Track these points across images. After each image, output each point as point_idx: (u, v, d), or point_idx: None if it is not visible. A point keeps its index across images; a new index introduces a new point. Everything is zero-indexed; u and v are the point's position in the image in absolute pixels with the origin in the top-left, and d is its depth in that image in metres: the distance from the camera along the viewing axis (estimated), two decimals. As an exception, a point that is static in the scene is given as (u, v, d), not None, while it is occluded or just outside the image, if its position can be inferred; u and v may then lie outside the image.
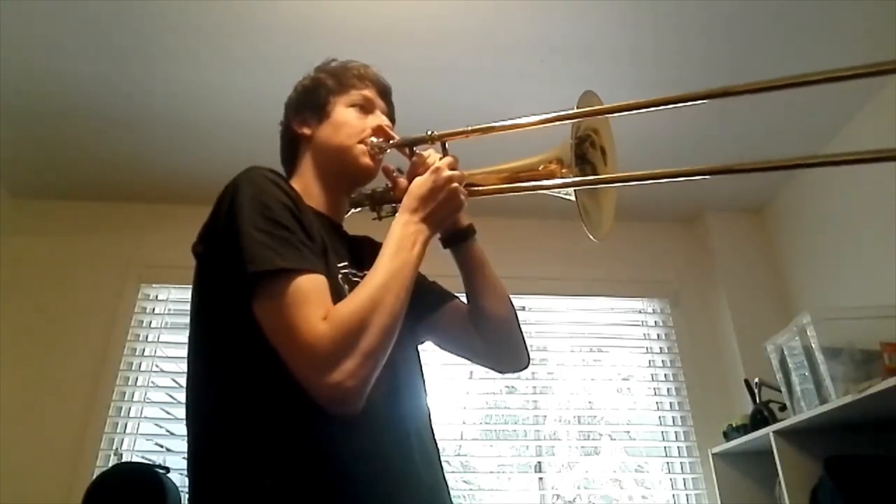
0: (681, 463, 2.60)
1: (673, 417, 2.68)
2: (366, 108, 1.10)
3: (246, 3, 1.90)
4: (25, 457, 2.30)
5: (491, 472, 2.59)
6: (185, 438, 0.88)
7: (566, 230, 2.80)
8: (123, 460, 2.36)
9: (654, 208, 2.91)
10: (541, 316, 2.80)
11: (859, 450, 1.81)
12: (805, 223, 2.67)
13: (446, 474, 0.97)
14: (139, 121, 2.37)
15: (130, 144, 2.49)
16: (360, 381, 0.77)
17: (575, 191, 0.98)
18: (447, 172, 0.97)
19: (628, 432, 2.71)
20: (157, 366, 2.60)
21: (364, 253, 1.06)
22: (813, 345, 1.82)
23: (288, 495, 0.78)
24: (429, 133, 1.05)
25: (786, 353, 2.03)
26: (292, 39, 2.00)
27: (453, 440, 2.60)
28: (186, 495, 0.86)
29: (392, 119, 1.15)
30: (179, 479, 2.09)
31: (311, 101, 1.11)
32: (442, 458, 0.98)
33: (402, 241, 0.90)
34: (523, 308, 2.74)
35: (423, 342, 1.11)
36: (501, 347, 1.10)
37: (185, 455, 0.88)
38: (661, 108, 0.94)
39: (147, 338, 2.67)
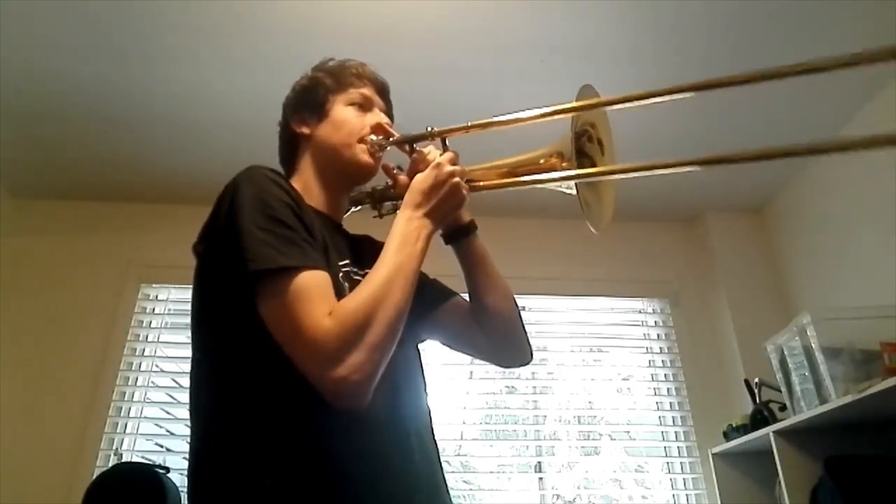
0: (681, 463, 2.60)
1: (673, 417, 2.68)
2: (364, 106, 1.10)
3: (246, 3, 1.90)
4: (25, 457, 2.30)
5: (491, 472, 2.59)
6: (186, 438, 0.89)
7: (566, 230, 2.83)
8: (123, 460, 2.36)
9: (654, 208, 2.91)
10: (541, 316, 2.80)
11: (859, 450, 1.81)
12: (805, 223, 2.67)
13: (446, 474, 0.97)
14: (139, 121, 2.37)
15: (130, 144, 2.49)
16: (367, 375, 0.77)
17: (576, 184, 0.98)
18: (449, 167, 0.97)
19: (628, 432, 2.71)
20: (157, 366, 2.60)
21: (365, 251, 1.06)
22: (813, 345, 1.82)
23: (287, 495, 0.78)
24: (429, 129, 1.05)
25: (786, 353, 2.03)
26: (292, 39, 2.00)
27: (453, 440, 2.60)
28: (186, 495, 0.86)
29: (390, 117, 1.15)
30: (179, 479, 2.09)
31: (309, 100, 1.11)
32: (442, 458, 0.98)
33: (405, 236, 0.91)
34: (523, 308, 2.68)
35: (423, 340, 1.11)
36: (505, 343, 1.10)
37: (186, 455, 0.88)
38: (661, 98, 0.94)
39: (147, 338, 2.67)
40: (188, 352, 0.92)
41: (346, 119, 1.08)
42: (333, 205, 1.08)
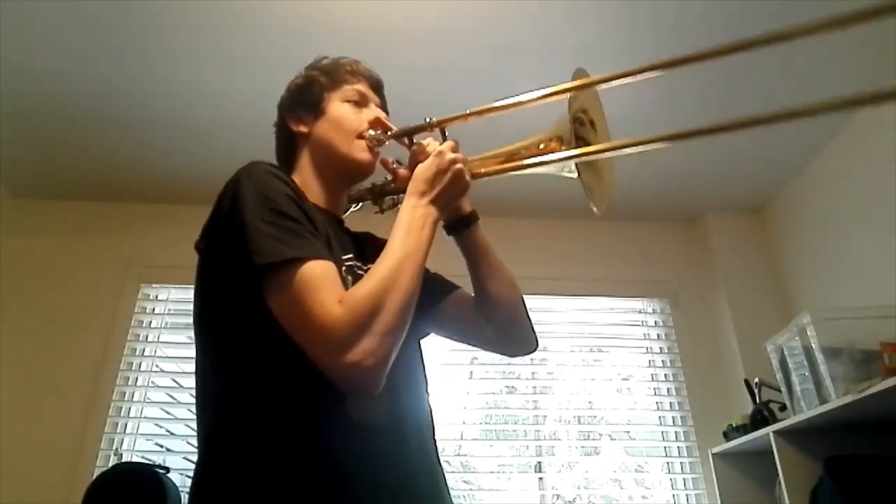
0: (681, 463, 2.60)
1: (673, 417, 2.68)
2: (360, 102, 1.11)
3: (246, 3, 1.90)
4: (25, 457, 2.30)
5: (491, 472, 2.59)
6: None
7: (566, 230, 2.83)
8: (123, 460, 2.36)
9: (654, 208, 2.91)
10: (541, 316, 2.80)
11: (859, 450, 1.81)
12: (805, 223, 2.67)
13: (446, 474, 0.97)
14: (139, 121, 2.37)
15: (130, 144, 2.49)
16: (379, 360, 0.77)
17: (577, 165, 0.98)
18: (451, 155, 0.98)
19: (628, 432, 2.70)
20: (157, 366, 2.60)
21: (367, 247, 1.06)
22: (813, 345, 1.82)
23: (288, 495, 0.77)
24: (427, 120, 1.06)
25: (786, 353, 2.03)
26: (292, 39, 2.00)
27: (453, 440, 2.60)
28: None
29: (385, 112, 1.15)
30: (179, 479, 2.09)
31: (305, 98, 1.11)
32: (442, 458, 0.98)
33: (411, 223, 0.91)
34: (523, 308, 2.72)
35: (427, 335, 1.11)
36: (511, 331, 1.10)
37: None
38: (660, 72, 0.94)
39: (147, 338, 2.67)
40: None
41: (344, 116, 1.08)
42: (333, 202, 1.08)
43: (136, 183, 2.71)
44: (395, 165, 1.10)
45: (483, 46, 2.07)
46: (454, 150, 1.00)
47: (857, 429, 1.85)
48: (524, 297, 1.12)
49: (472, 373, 2.70)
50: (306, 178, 1.07)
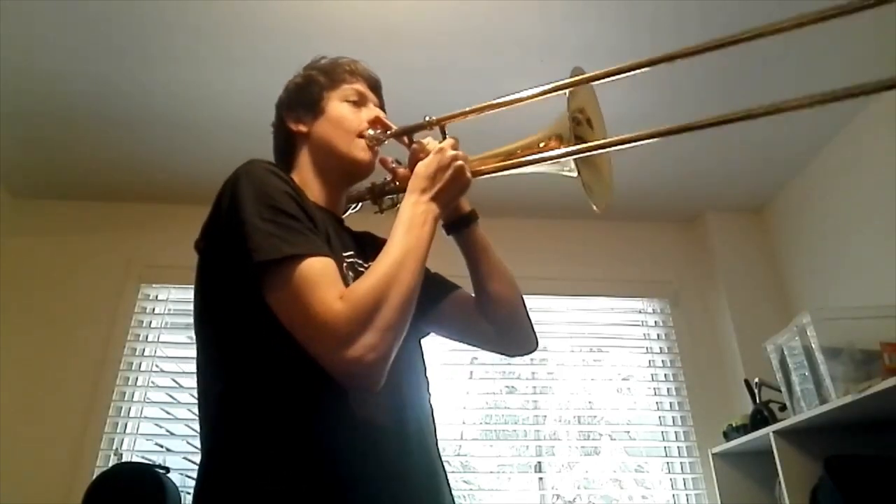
0: (681, 463, 2.60)
1: (673, 417, 2.68)
2: (359, 102, 1.11)
3: (246, 3, 1.90)
4: (25, 457, 2.30)
5: (491, 472, 2.59)
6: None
7: (566, 230, 2.83)
8: (123, 460, 2.36)
9: (654, 208, 2.91)
10: (541, 316, 2.80)
11: (859, 450, 1.81)
12: (805, 223, 2.67)
13: (447, 473, 0.96)
14: (139, 121, 2.37)
15: (130, 144, 2.49)
16: (381, 355, 0.77)
17: (577, 164, 0.98)
18: (451, 151, 0.98)
19: (628, 432, 2.71)
20: (157, 366, 2.60)
21: (367, 246, 1.06)
22: (813, 345, 1.82)
23: (289, 495, 0.78)
24: (427, 119, 1.06)
25: (786, 353, 2.03)
26: (292, 39, 2.00)
27: (453, 440, 2.60)
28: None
29: (383, 111, 1.15)
30: (179, 479, 2.09)
31: (304, 98, 1.11)
32: (442, 458, 0.97)
33: (412, 219, 0.91)
34: (523, 308, 2.72)
35: (427, 335, 1.11)
36: (511, 330, 1.11)
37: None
38: (659, 64, 0.94)
39: (147, 338, 2.67)
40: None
41: (343, 115, 1.08)
42: (333, 201, 1.08)
43: (136, 183, 2.71)
44: (394, 165, 1.10)
45: (483, 46, 2.07)
46: (455, 147, 1.00)
47: (857, 429, 1.85)
48: (524, 297, 1.12)
49: (472, 373, 2.70)
50: (306, 177, 1.07)
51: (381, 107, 1.16)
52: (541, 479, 2.54)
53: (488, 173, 1.05)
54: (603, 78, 1.00)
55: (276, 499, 0.77)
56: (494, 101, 1.04)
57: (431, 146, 1.02)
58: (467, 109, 1.05)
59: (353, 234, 1.10)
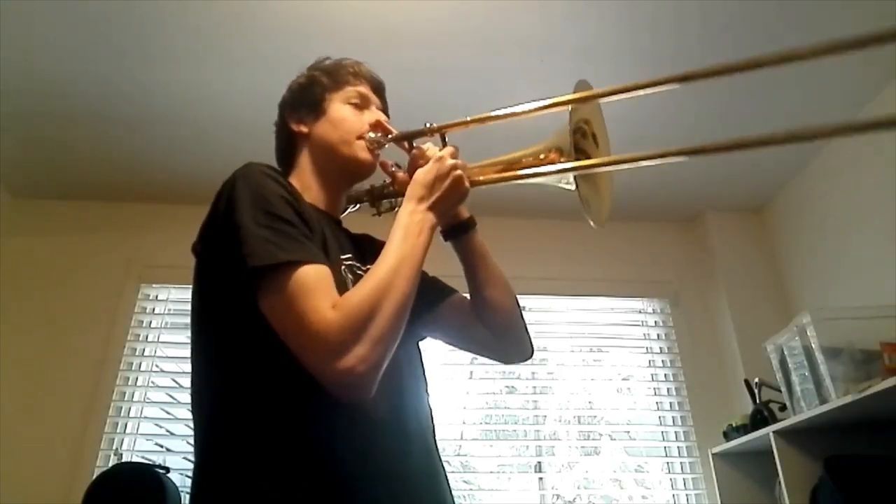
0: (681, 463, 2.60)
1: (673, 417, 2.68)
2: (361, 104, 1.11)
3: (246, 3, 1.90)
4: (25, 457, 2.30)
5: (491, 472, 2.59)
6: (186, 438, 0.89)
7: (566, 230, 2.83)
8: (123, 460, 2.36)
9: (654, 208, 2.91)
10: (541, 316, 2.80)
11: (859, 450, 1.81)
12: (805, 223, 2.67)
13: (447, 474, 0.96)
14: (139, 121, 2.37)
15: (130, 144, 2.49)
16: (372, 367, 0.77)
17: (576, 179, 0.98)
18: (450, 161, 0.98)
19: (628, 432, 2.70)
20: (157, 366, 2.60)
21: (366, 248, 1.06)
22: (813, 345, 1.82)
23: (289, 495, 0.77)
24: (427, 126, 1.06)
25: (786, 353, 2.03)
26: (292, 39, 2.00)
27: (453, 440, 2.60)
28: (186, 495, 0.86)
29: (386, 115, 1.15)
30: (179, 479, 2.09)
31: (306, 98, 1.11)
32: (442, 458, 0.98)
33: (408, 228, 0.91)
34: (523, 308, 2.71)
35: (424, 338, 1.11)
36: (507, 337, 1.10)
37: (186, 455, 0.88)
38: (661, 87, 0.94)
39: (147, 338, 2.67)
40: (188, 352, 0.92)
41: (345, 117, 1.08)
42: (332, 202, 1.08)
43: (136, 183, 2.71)
44: (394, 169, 1.10)
45: (483, 46, 2.06)
46: (454, 155, 1.00)
47: (857, 429, 1.85)
48: (524, 297, 1.12)
49: (472, 373, 2.70)
50: (306, 178, 1.07)
51: (385, 110, 1.16)
52: (541, 479, 2.54)
53: (487, 183, 1.05)
54: (608, 96, 0.99)
55: (276, 499, 0.77)
56: (496, 113, 1.04)
57: (431, 152, 1.02)
58: (468, 119, 1.05)
59: (352, 236, 1.10)
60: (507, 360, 1.17)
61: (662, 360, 2.80)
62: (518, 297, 1.13)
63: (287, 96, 1.15)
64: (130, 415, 2.50)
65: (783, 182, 2.76)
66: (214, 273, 0.88)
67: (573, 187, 0.99)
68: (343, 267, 0.94)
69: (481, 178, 1.05)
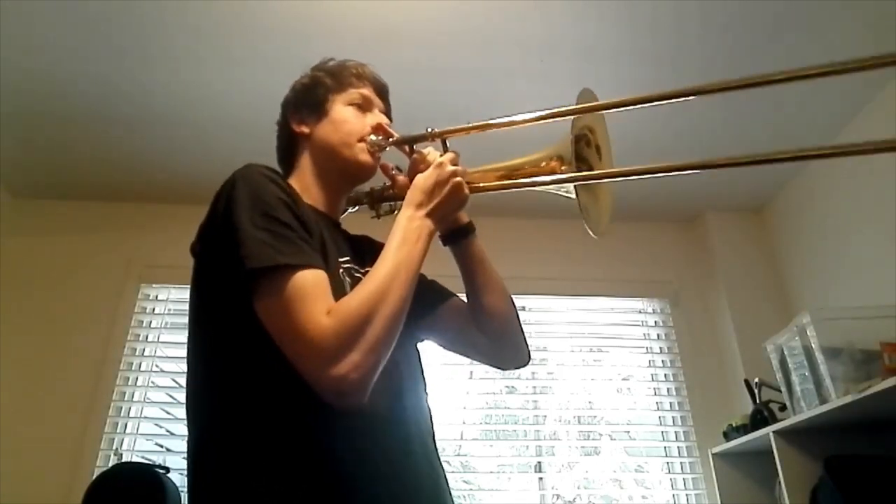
0: (681, 463, 2.60)
1: (673, 417, 2.68)
2: (364, 106, 1.10)
3: (246, 3, 1.90)
4: (25, 457, 2.30)
5: (491, 472, 2.59)
6: (185, 438, 0.88)
7: (566, 230, 2.81)
8: (123, 460, 2.36)
9: (654, 208, 2.91)
10: (541, 316, 2.80)
11: (859, 450, 1.81)
12: (805, 223, 2.67)
13: (447, 474, 0.96)
14: (139, 121, 2.37)
15: (130, 144, 2.49)
16: (365, 374, 0.77)
17: (576, 188, 0.98)
18: (450, 167, 0.97)
19: (628, 432, 2.70)
20: (157, 366, 2.60)
21: (365, 250, 1.06)
22: (813, 345, 1.82)
23: (289, 496, 0.77)
24: (429, 130, 1.06)
25: (786, 353, 2.03)
26: (292, 39, 2.00)
27: (453, 440, 2.60)
28: (186, 495, 0.86)
29: (389, 117, 1.15)
30: (179, 479, 2.09)
31: (309, 99, 1.11)
32: (441, 458, 0.98)
33: (406, 234, 0.90)
34: (523, 308, 2.73)
35: (422, 341, 1.11)
36: (503, 343, 1.10)
37: (186, 455, 0.88)
38: (659, 103, 0.94)
39: (147, 338, 2.67)
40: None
41: (346, 119, 1.08)
42: (332, 204, 1.08)
43: (136, 183, 2.71)
44: (394, 172, 1.10)
45: (483, 46, 2.06)
46: (454, 161, 0.99)
47: (857, 429, 1.85)
48: (524, 297, 1.12)
49: (472, 373, 2.70)
50: (306, 179, 1.07)
51: (388, 112, 1.15)
52: (541, 479, 2.54)
53: (487, 190, 1.05)
54: (611, 108, 0.99)
55: (276, 499, 0.77)
56: (496, 121, 1.04)
57: (432, 157, 1.01)
58: (470, 125, 1.05)
59: (350, 238, 1.09)
60: (503, 365, 1.16)
61: (662, 360, 2.80)
62: (518, 297, 1.13)
63: (290, 96, 1.14)
64: (130, 415, 2.50)
65: (783, 182, 2.76)
66: (212, 274, 0.88)
67: (573, 196, 0.99)
68: (341, 270, 0.94)
69: (481, 184, 1.05)
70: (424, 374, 1.04)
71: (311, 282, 0.80)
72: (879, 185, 2.19)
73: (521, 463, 2.63)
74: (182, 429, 2.45)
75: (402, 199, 0.97)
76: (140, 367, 2.58)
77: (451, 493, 0.95)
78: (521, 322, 1.12)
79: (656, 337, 2.87)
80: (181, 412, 2.49)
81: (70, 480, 2.26)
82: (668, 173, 0.95)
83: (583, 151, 1.03)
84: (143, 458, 2.40)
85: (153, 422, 2.53)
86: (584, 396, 2.70)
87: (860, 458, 1.77)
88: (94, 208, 2.79)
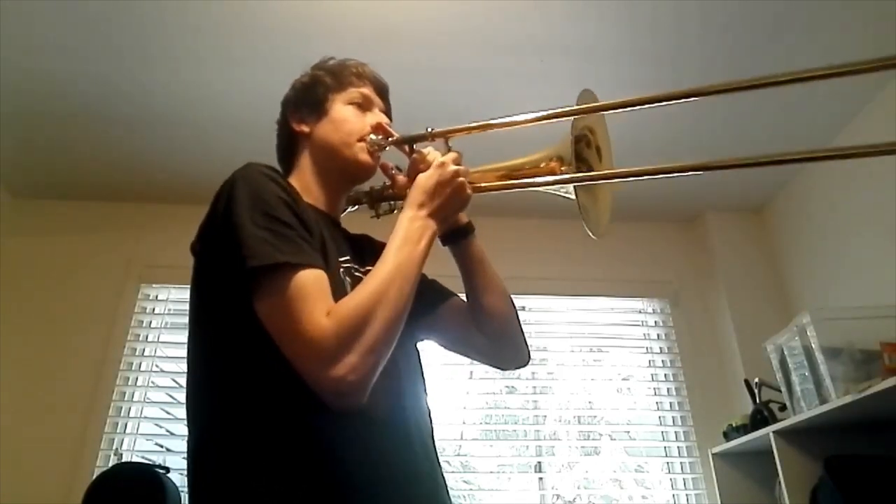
0: (681, 463, 2.60)
1: (673, 417, 2.68)
2: (364, 105, 1.10)
3: (246, 3, 1.90)
4: (25, 457, 2.30)
5: (491, 472, 2.59)
6: (185, 438, 0.88)
7: (566, 230, 2.81)
8: (123, 460, 2.36)
9: (654, 208, 2.91)
10: (541, 316, 2.80)
11: (859, 450, 1.81)
12: (805, 223, 2.67)
13: (446, 474, 0.96)
14: (139, 121, 2.37)
15: (130, 144, 2.49)
16: (363, 375, 0.77)
17: (575, 189, 0.98)
18: (453, 167, 0.97)
19: (628, 432, 2.70)
20: (157, 366, 2.60)
21: (365, 249, 1.06)
22: (813, 345, 1.82)
23: (289, 496, 0.77)
24: (428, 130, 1.05)
25: (786, 353, 2.03)
26: (292, 39, 2.00)
27: (453, 440, 2.60)
28: (186, 495, 0.86)
29: (389, 117, 1.15)
30: (179, 479, 2.09)
31: (309, 98, 1.11)
32: (442, 458, 0.98)
33: (408, 235, 0.90)
34: (523, 308, 2.73)
35: (422, 341, 1.11)
36: (503, 344, 1.10)
37: (185, 455, 0.87)
38: (660, 104, 0.94)
39: (147, 338, 2.67)
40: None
41: (346, 118, 1.08)
42: (332, 203, 1.08)
43: (136, 183, 2.71)
44: (394, 171, 1.09)
45: (483, 46, 2.06)
46: (457, 161, 0.98)
47: (857, 429, 1.85)
48: (524, 297, 1.12)
49: (472, 373, 2.70)
50: (306, 178, 1.07)
51: (388, 111, 1.15)
52: (541, 479, 2.54)
53: (486, 190, 1.04)
54: (611, 109, 0.99)
55: (276, 500, 0.77)
56: (496, 121, 1.04)
57: (432, 157, 1.01)
58: (472, 125, 1.04)
59: (350, 237, 1.09)
60: (503, 366, 1.16)
61: (662, 360, 2.80)
62: (518, 297, 1.13)
63: (290, 95, 1.14)
64: (130, 415, 2.50)
65: (783, 182, 2.76)
66: (213, 273, 0.88)
67: (572, 196, 0.98)
68: (341, 269, 0.94)
69: (481, 184, 1.05)
70: (424, 374, 1.04)
71: (311, 281, 0.80)
72: (879, 186, 2.19)
73: (521, 463, 2.63)
74: (182, 429, 2.45)
75: (402, 198, 0.97)
76: (140, 367, 2.58)
77: (448, 494, 0.94)
78: (521, 322, 1.11)
79: (656, 337, 2.87)
80: (181, 412, 2.49)
81: (70, 480, 2.26)
82: (668, 175, 0.94)
83: (583, 152, 1.03)
84: (143, 458, 2.40)
85: (153, 422, 2.53)
86: (584, 396, 2.70)
87: (860, 458, 1.77)
88: (94, 208, 2.79)
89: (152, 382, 2.57)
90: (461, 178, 0.97)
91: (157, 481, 1.99)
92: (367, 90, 1.12)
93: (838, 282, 2.43)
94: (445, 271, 1.12)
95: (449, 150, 1.04)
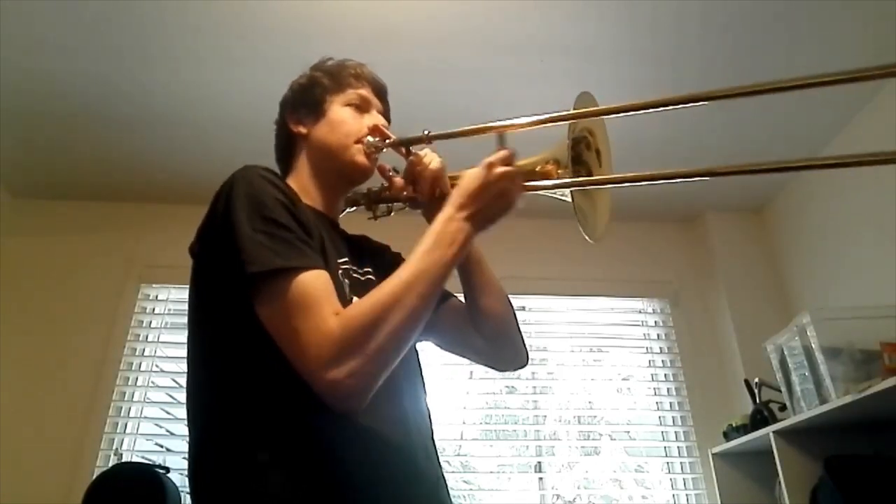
0: (681, 463, 2.60)
1: (673, 417, 2.68)
2: (362, 107, 1.10)
3: (246, 3, 1.90)
4: (25, 457, 2.30)
5: (491, 472, 2.59)
6: (185, 438, 0.88)
7: (566, 230, 2.79)
8: (123, 460, 2.36)
9: (654, 208, 2.91)
10: (541, 316, 2.79)
11: (859, 450, 1.81)
12: (805, 223, 2.67)
13: (446, 474, 0.96)
14: (139, 121, 2.37)
15: (130, 144, 2.49)
16: (363, 380, 0.75)
17: (571, 192, 0.97)
18: (500, 169, 0.89)
19: (628, 432, 2.70)
20: (157, 366, 2.60)
21: (363, 251, 1.06)
22: (813, 345, 1.82)
23: (290, 496, 0.77)
24: (425, 133, 1.05)
25: (786, 353, 2.03)
26: (292, 39, 2.00)
27: (453, 440, 2.60)
28: (186, 495, 0.86)
29: (388, 118, 1.15)
30: (179, 479, 2.09)
31: (307, 99, 1.10)
32: (442, 458, 0.97)
33: (440, 237, 0.85)
34: (523, 308, 2.73)
35: (420, 341, 1.10)
36: (501, 345, 1.10)
37: (186, 455, 0.87)
38: (659, 109, 0.94)
39: (147, 338, 2.67)
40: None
41: (344, 120, 1.07)
42: (330, 205, 1.08)
43: (136, 183, 2.71)
44: (391, 173, 1.09)
45: (483, 46, 2.06)
46: (507, 162, 0.90)
47: (857, 429, 1.86)
48: (524, 297, 1.12)
49: (472, 373, 2.70)
50: (304, 179, 1.07)
51: (387, 112, 1.15)
52: (541, 479, 2.54)
53: None
54: (611, 114, 0.97)
55: (279, 500, 0.77)
56: (493, 124, 1.01)
57: (427, 159, 1.01)
58: (468, 129, 1.01)
59: (348, 238, 1.09)
60: (501, 367, 1.15)
61: (662, 360, 2.80)
62: (518, 297, 1.13)
63: (288, 96, 1.14)
64: (130, 415, 2.50)
65: (783, 182, 2.76)
66: (211, 275, 0.87)
67: (568, 199, 0.97)
68: (340, 271, 0.93)
69: None
70: (423, 374, 1.04)
71: (312, 283, 0.79)
72: (879, 186, 2.19)
73: (521, 463, 2.63)
74: (182, 429, 2.45)
75: (399, 200, 0.96)
76: (140, 367, 2.58)
77: (449, 494, 0.94)
78: (520, 323, 1.11)
79: (656, 337, 2.87)
80: (181, 412, 2.49)
81: (70, 480, 2.26)
82: (668, 180, 0.93)
83: (582, 154, 1.02)
84: (143, 458, 2.40)
85: (153, 422, 2.53)
86: (584, 396, 2.70)
87: (860, 458, 1.78)
88: (94, 208, 2.79)
89: (152, 382, 2.57)
90: (508, 182, 0.89)
91: (157, 481, 1.99)
92: (365, 91, 1.11)
93: (838, 282, 2.43)
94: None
95: (502, 146, 0.94)
